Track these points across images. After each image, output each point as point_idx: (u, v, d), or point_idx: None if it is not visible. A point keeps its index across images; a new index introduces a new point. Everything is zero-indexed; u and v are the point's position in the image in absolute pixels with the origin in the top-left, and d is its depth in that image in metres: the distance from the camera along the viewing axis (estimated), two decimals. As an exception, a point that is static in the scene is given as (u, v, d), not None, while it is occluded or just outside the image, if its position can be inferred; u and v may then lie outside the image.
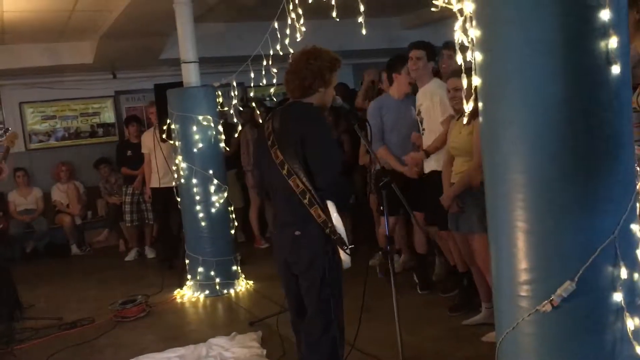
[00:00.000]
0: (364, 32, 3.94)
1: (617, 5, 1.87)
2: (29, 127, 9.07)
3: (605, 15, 1.82)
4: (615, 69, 1.87)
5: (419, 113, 4.83)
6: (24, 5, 5.91)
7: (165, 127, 5.91)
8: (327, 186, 2.87)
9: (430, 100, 4.66)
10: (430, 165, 4.71)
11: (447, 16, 8.99)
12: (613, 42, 1.83)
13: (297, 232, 2.93)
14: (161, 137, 6.26)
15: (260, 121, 6.78)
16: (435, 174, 4.56)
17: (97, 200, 9.01)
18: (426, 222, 4.99)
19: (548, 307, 1.92)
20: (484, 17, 1.99)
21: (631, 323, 1.95)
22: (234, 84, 5.57)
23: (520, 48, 1.89)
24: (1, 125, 8.70)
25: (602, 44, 1.83)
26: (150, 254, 7.77)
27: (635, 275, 1.98)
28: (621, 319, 1.94)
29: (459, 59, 2.14)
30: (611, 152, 1.89)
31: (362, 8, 3.85)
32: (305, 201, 2.82)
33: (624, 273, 1.93)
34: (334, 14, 4.05)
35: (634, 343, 1.95)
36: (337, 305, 3.00)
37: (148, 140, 6.96)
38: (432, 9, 3.11)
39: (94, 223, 8.93)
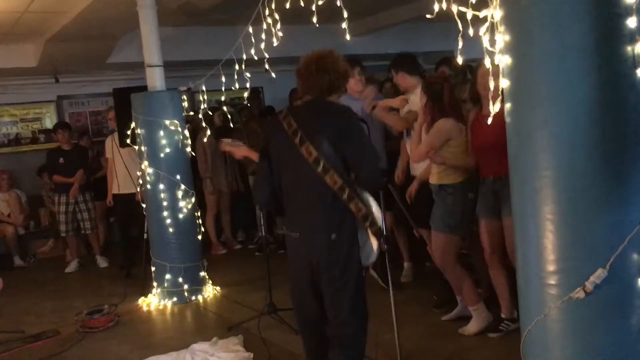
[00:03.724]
0: (347, 37, 4.02)
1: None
2: (-35, 134, 8.61)
3: (632, 22, 1.98)
4: (641, 73, 2.03)
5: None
6: (-25, 4, 5.63)
7: (129, 132, 5.76)
8: (371, 176, 2.90)
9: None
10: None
11: (393, 24, 9.06)
12: (639, 48, 2.00)
13: (333, 236, 2.89)
14: (121, 142, 6.09)
15: (232, 125, 6.69)
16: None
17: (40, 209, 8.64)
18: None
19: (581, 294, 2.07)
20: (516, 23, 2.12)
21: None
22: (203, 88, 5.51)
23: (555, 53, 2.03)
24: None
25: (629, 49, 2.00)
26: (102, 263, 7.51)
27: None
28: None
29: (487, 62, 2.26)
30: (638, 150, 2.05)
31: (345, 14, 3.93)
32: (344, 197, 2.82)
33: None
34: (315, 19, 4.10)
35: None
36: (366, 303, 3.06)
37: (111, 145, 6.74)
38: (428, 16, 3.24)
39: (38, 233, 8.56)
